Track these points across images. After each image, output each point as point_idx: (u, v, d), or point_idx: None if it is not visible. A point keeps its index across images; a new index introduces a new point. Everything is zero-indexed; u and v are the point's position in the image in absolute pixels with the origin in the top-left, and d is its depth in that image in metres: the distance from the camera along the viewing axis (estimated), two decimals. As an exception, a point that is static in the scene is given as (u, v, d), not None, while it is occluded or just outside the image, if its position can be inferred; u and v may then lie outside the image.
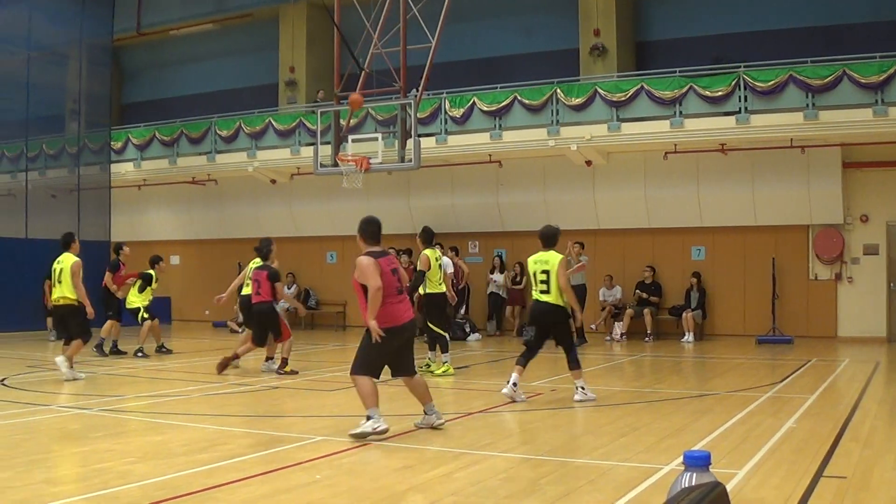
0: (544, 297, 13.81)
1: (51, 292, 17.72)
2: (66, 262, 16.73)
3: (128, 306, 21.50)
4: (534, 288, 14.00)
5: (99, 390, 15.53)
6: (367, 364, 10.81)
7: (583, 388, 13.74)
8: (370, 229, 11.06)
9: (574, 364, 13.74)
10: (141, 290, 21.50)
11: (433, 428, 11.05)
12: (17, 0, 30.98)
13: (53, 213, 30.47)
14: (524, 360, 13.87)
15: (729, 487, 6.09)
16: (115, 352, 21.16)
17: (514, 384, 13.63)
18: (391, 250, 27.42)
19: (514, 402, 13.49)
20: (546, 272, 13.79)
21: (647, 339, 25.28)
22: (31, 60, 30.84)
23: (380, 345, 10.64)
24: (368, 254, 10.82)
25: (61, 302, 16.68)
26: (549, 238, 14.12)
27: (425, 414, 11.22)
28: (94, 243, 30.83)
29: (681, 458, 4.29)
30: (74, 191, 32.28)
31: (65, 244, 17.24)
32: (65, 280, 16.53)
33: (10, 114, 31.39)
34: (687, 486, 3.86)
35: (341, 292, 29.57)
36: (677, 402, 13.65)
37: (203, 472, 8.83)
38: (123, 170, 33.80)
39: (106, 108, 34.44)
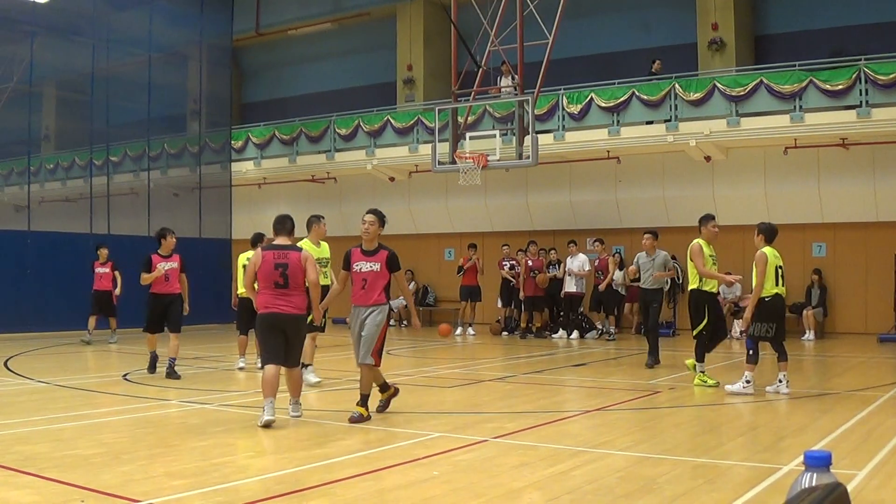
0: (783, 290, 14.33)
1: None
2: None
3: None
4: (774, 282, 14.17)
5: (219, 385, 15.79)
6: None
7: (780, 382, 14.18)
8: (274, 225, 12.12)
9: (785, 355, 14.27)
10: None
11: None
12: (138, 3, 31.70)
13: (176, 211, 31.03)
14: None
15: (849, 488, 6.04)
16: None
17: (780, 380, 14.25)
18: (472, 248, 27.83)
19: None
20: (781, 266, 14.30)
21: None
22: (153, 62, 31.48)
23: (261, 328, 11.70)
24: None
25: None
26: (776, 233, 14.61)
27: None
28: (215, 241, 31.38)
29: (801, 458, 4.29)
30: (196, 189, 32.91)
31: (253, 243, 17.56)
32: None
33: (133, 114, 32.09)
34: (807, 486, 3.85)
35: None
36: (797, 400, 13.48)
37: (321, 468, 8.95)
38: (244, 168, 34.38)
39: (226, 108, 35.08)
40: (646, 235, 18.84)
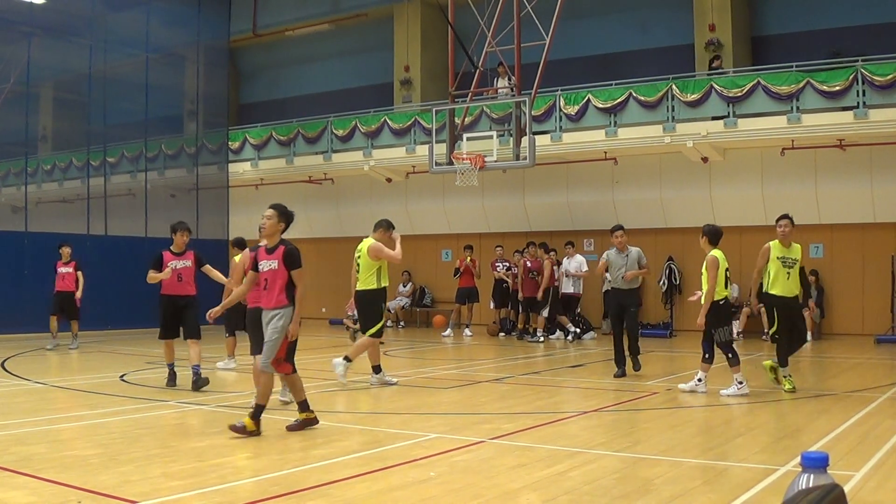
0: (729, 293, 14.72)
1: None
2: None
3: None
4: (724, 285, 14.47)
5: (216, 386, 15.77)
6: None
7: (699, 381, 14.52)
8: None
9: (713, 359, 14.51)
10: None
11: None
12: (136, 4, 31.74)
13: (172, 212, 30.89)
14: None
15: (847, 489, 6.04)
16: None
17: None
18: (468, 250, 27.83)
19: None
20: (728, 269, 14.65)
21: (764, 337, 24.95)
22: (150, 62, 31.52)
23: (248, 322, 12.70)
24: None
25: None
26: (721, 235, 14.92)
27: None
28: (212, 241, 31.37)
29: (798, 459, 4.29)
30: (193, 190, 32.95)
31: (239, 246, 17.15)
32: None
33: (130, 115, 32.11)
34: (804, 487, 3.85)
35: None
36: (794, 401, 13.50)
37: (318, 468, 8.98)
38: (241, 169, 34.40)
39: (223, 109, 35.11)
40: (618, 232, 17.22)
